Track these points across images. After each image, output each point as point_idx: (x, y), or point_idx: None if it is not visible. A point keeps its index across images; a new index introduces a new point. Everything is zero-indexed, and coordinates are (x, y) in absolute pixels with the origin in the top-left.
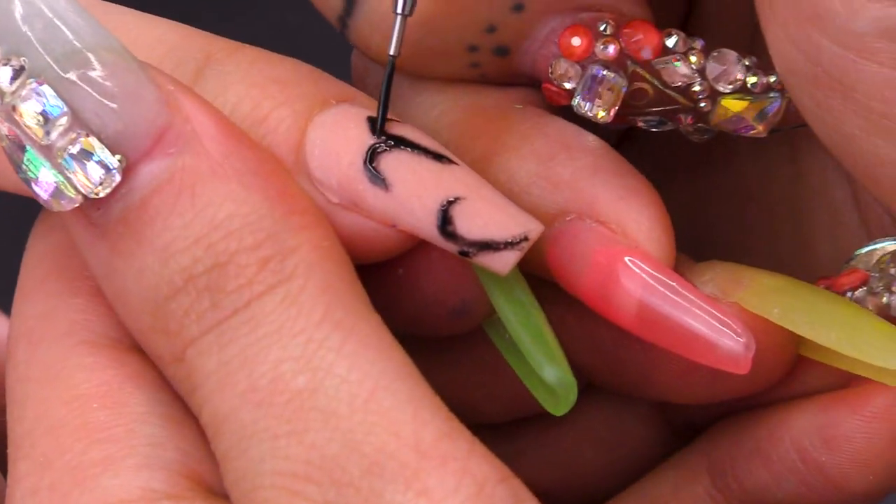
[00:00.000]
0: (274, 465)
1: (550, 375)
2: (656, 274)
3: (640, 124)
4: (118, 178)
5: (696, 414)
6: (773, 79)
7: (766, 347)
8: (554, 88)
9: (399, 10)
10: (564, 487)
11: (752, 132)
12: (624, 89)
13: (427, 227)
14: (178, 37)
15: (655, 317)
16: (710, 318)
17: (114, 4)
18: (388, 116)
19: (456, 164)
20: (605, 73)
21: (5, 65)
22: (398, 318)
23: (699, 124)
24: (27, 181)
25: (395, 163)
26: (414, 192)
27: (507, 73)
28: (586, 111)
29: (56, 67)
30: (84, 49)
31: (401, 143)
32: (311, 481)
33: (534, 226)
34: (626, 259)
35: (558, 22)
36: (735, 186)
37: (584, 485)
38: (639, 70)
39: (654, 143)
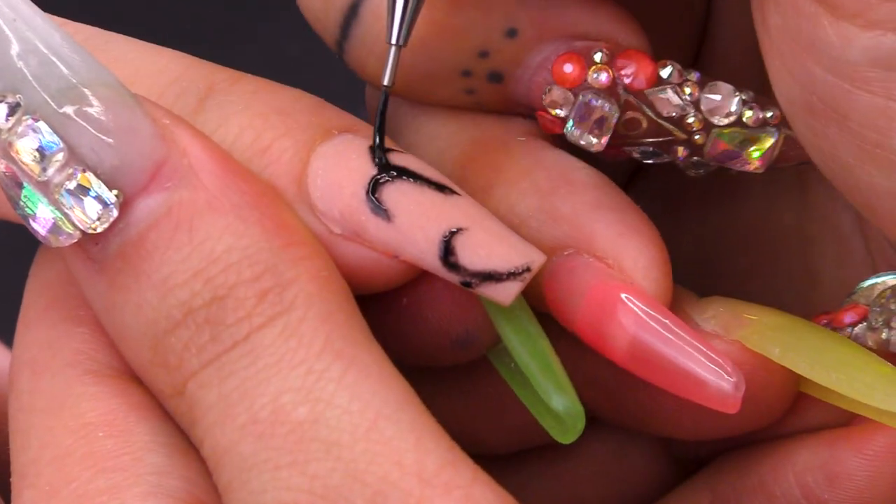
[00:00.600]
0: (276, 495)
1: (558, 404)
2: (650, 311)
3: (636, 155)
4: (115, 213)
5: (701, 448)
6: (769, 114)
7: (766, 385)
8: (548, 116)
9: (393, 41)
10: None
11: (747, 167)
12: (615, 118)
13: (429, 258)
14: (180, 67)
15: (647, 354)
16: (702, 357)
17: (116, 34)
18: (391, 146)
19: (458, 194)
20: (596, 101)
21: (1, 102)
22: (403, 348)
23: (694, 157)
24: (25, 217)
25: (397, 194)
26: (416, 224)
27: (502, 100)
28: (578, 139)
29: (52, 103)
30: (80, 84)
31: (403, 173)
32: None
33: (536, 256)
34: (622, 295)
35: (552, 49)
36: (744, 217)
37: None
38: (631, 99)
39: (666, 177)
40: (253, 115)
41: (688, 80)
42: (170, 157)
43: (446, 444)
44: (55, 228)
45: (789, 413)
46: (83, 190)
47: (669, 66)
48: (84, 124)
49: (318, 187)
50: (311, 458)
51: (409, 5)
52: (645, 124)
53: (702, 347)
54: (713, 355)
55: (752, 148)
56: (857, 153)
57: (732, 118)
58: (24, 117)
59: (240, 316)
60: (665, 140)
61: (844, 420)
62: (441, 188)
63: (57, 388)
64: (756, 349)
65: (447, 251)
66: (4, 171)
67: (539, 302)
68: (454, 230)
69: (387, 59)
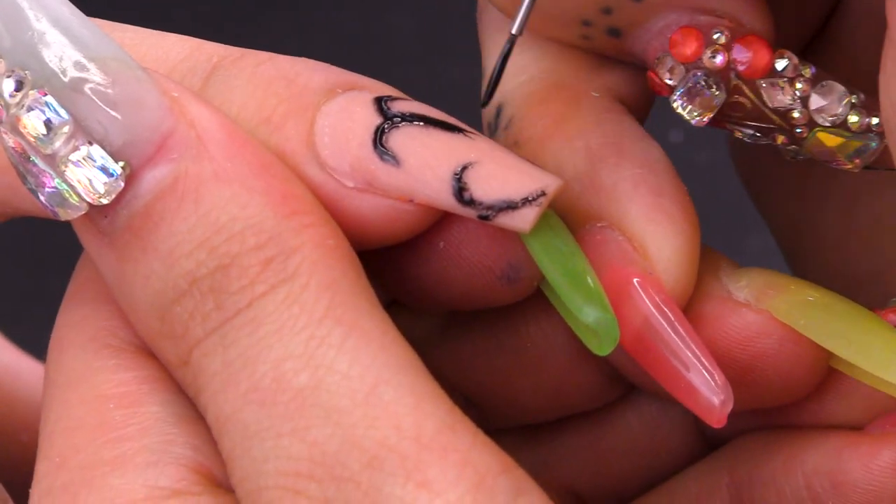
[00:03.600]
0: (277, 465)
1: (589, 316)
2: (660, 306)
3: (736, 134)
4: (121, 184)
5: (728, 426)
6: (875, 121)
7: (794, 356)
8: (657, 79)
9: None
10: (592, 487)
11: (844, 167)
12: (721, 102)
13: (443, 196)
14: (185, 49)
15: (648, 346)
16: (698, 364)
17: (118, 23)
18: (395, 95)
19: (465, 131)
20: (705, 84)
21: (8, 76)
22: (449, 293)
23: (792, 146)
24: (34, 192)
25: (403, 138)
26: (425, 164)
27: (616, 51)
28: (681, 111)
29: (60, 77)
30: (87, 58)
31: (408, 118)
32: (313, 479)
33: (551, 180)
34: (636, 282)
35: (674, 18)
36: (842, 200)
37: (611, 487)
38: (741, 85)
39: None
40: (256, 85)
41: (801, 76)
42: (177, 128)
43: (446, 408)
44: (63, 201)
45: (817, 388)
46: (90, 162)
47: (786, 59)
48: (91, 97)
49: (326, 144)
50: (312, 424)
51: None
52: (749, 108)
53: (700, 355)
54: (709, 366)
55: (850, 153)
56: None
57: (838, 120)
58: (32, 91)
59: (243, 284)
60: (766, 126)
61: (865, 414)
62: (448, 127)
63: (77, 363)
64: (784, 319)
65: (459, 187)
66: (14, 146)
67: None
68: (464, 165)
69: (519, 7)
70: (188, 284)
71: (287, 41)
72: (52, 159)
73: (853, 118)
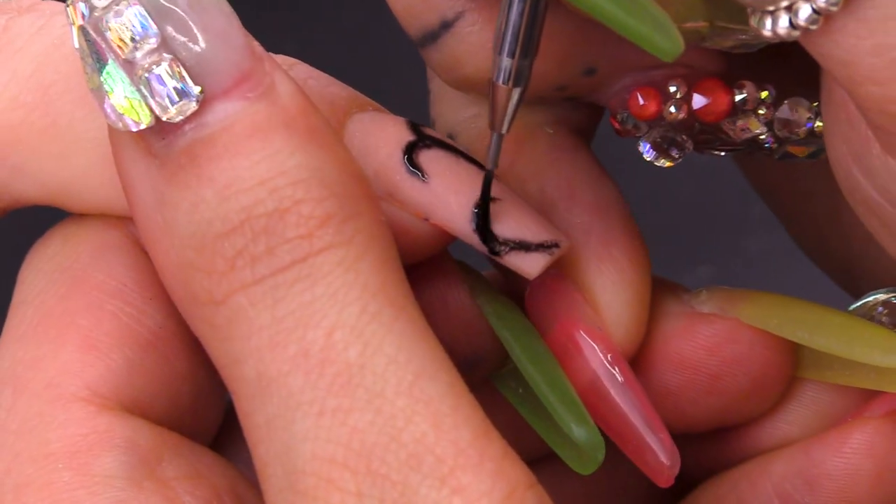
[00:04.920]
0: (315, 446)
1: (579, 435)
2: (609, 366)
3: (713, 154)
4: (194, 107)
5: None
6: None
7: (765, 362)
8: (619, 126)
9: (503, 131)
10: None
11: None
12: (689, 147)
13: (461, 221)
14: None
15: (597, 403)
16: (647, 427)
17: None
18: (425, 129)
19: (493, 173)
20: (670, 142)
21: None
22: None
23: (762, 151)
24: (99, 95)
25: (434, 158)
26: (451, 187)
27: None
28: (648, 159)
29: None
30: None
31: (441, 144)
32: (348, 468)
33: (564, 238)
34: (586, 338)
35: (629, 80)
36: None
37: None
38: (707, 131)
39: None
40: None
41: (762, 103)
42: (255, 70)
43: (480, 415)
44: (128, 110)
45: (773, 416)
46: (169, 77)
47: (744, 92)
48: (184, 17)
49: (354, 146)
50: (355, 406)
51: (513, 101)
52: (718, 143)
53: (649, 418)
54: (658, 428)
55: (821, 156)
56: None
57: (805, 132)
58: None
59: (301, 233)
60: (738, 149)
61: (825, 427)
62: (477, 164)
63: (31, 412)
64: (754, 324)
65: (478, 217)
66: (90, 45)
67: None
68: (488, 199)
69: (490, 146)
70: (241, 221)
71: (287, 41)
72: (130, 66)
73: (820, 123)
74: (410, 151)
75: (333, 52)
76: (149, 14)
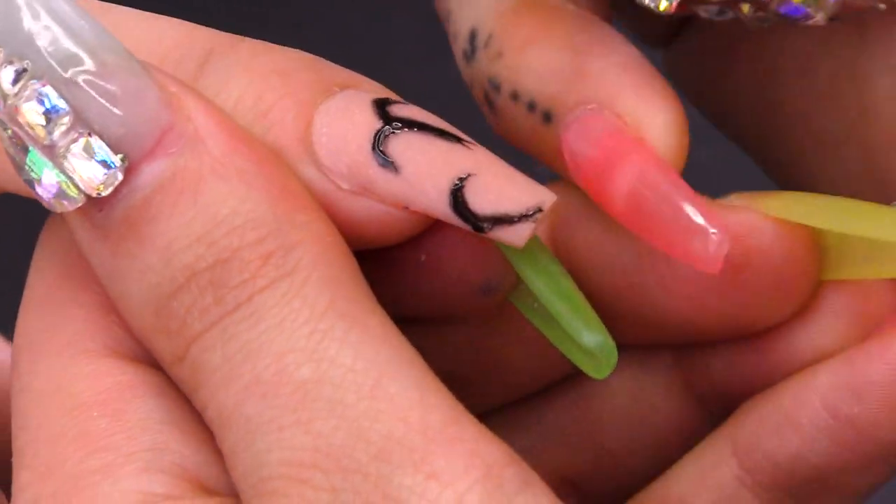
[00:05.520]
0: (281, 455)
1: (590, 341)
2: (654, 165)
3: (703, 14)
4: (120, 176)
5: (718, 380)
6: None
7: (790, 252)
8: None
9: None
10: (587, 473)
11: (811, 20)
12: None
13: (439, 206)
14: (180, 34)
15: (642, 205)
16: (693, 212)
17: (113, 4)
18: (394, 98)
19: (464, 141)
20: None
21: (7, 66)
22: (426, 304)
23: (759, 13)
24: (30, 183)
25: (403, 145)
26: (424, 173)
27: None
28: (648, 2)
29: (58, 69)
30: (85, 51)
31: (408, 124)
32: (318, 468)
33: (547, 196)
34: (630, 144)
35: None
36: (799, 58)
37: (607, 472)
38: None
39: (714, 31)
40: (253, 78)
41: None
42: (175, 123)
43: (450, 402)
44: (60, 193)
45: (805, 325)
46: (88, 153)
47: None
48: (90, 90)
49: (324, 144)
50: (315, 416)
51: None
52: None
53: (695, 204)
54: (706, 212)
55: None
56: None
57: None
58: (31, 82)
59: (244, 278)
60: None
61: (860, 335)
62: (447, 136)
63: (54, 369)
64: (780, 215)
65: (456, 198)
66: (11, 136)
67: (554, 160)
68: (463, 176)
69: None
70: (186, 278)
71: (287, 38)
72: (50, 150)
73: None
74: (379, 141)
75: (333, 51)
76: (58, 91)
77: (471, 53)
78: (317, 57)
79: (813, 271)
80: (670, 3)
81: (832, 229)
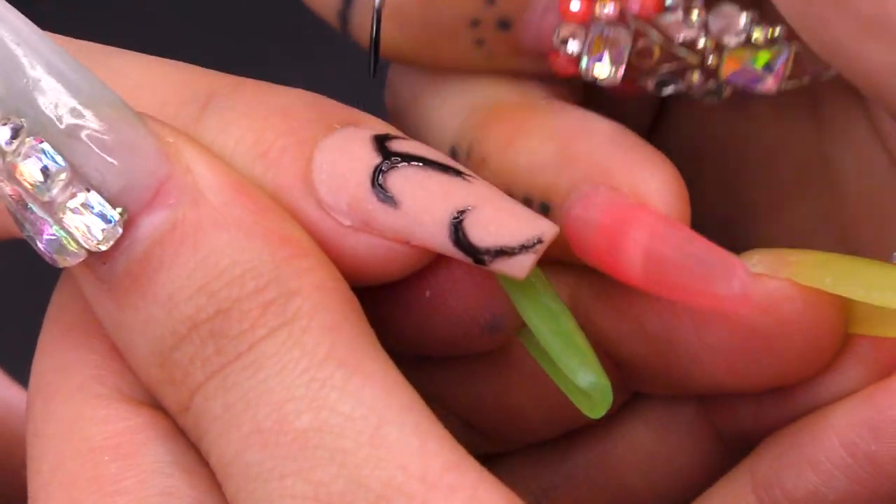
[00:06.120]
0: (283, 503)
1: (584, 380)
2: (663, 223)
3: (650, 86)
4: (120, 230)
5: (745, 423)
6: (778, 30)
7: (819, 321)
8: (561, 57)
9: None
10: None
11: (762, 87)
12: (628, 46)
13: (440, 240)
14: (182, 77)
15: (661, 264)
16: (712, 258)
17: (116, 48)
18: (394, 133)
19: (464, 174)
20: (607, 31)
21: (4, 124)
22: (432, 340)
23: (709, 82)
24: (31, 239)
25: (402, 179)
26: (423, 207)
27: (513, 50)
28: (594, 73)
29: (55, 124)
30: (82, 105)
31: (407, 159)
32: None
33: (547, 227)
34: (634, 211)
35: None
36: (762, 149)
37: None
38: (641, 27)
39: (683, 131)
40: (253, 119)
41: (693, 3)
42: (173, 174)
43: (450, 447)
44: (61, 248)
45: (834, 358)
46: (87, 209)
47: None
48: (88, 144)
49: (324, 181)
50: (316, 464)
51: None
52: (657, 52)
53: (712, 249)
54: (725, 255)
55: (766, 64)
56: (855, 33)
57: (742, 37)
58: (28, 139)
59: (243, 328)
60: (679, 68)
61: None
62: (446, 169)
63: (67, 413)
64: (807, 282)
65: (456, 231)
66: (11, 193)
67: (567, 252)
68: (462, 209)
69: None
70: (187, 330)
71: (289, 74)
72: (49, 206)
73: (757, 33)
74: (378, 176)
75: (335, 86)
76: (55, 148)
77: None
78: (318, 95)
79: (841, 331)
80: (615, 72)
81: (864, 300)
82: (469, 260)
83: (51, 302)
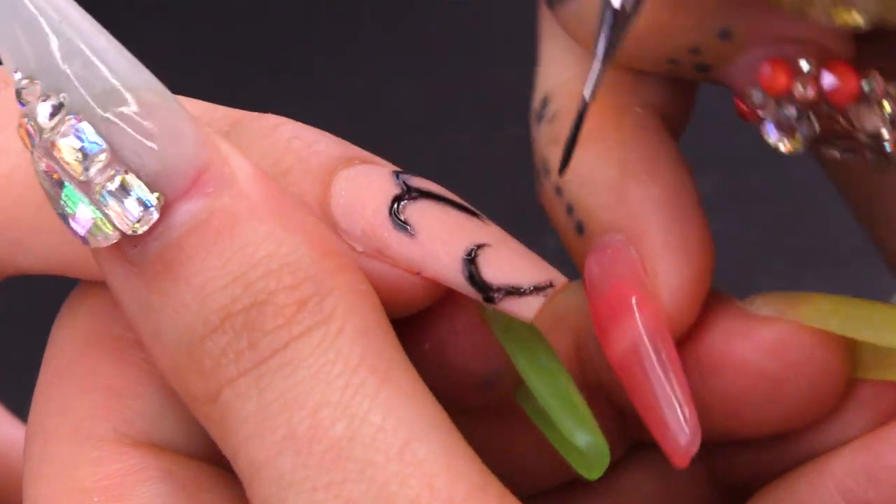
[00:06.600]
0: None
1: (581, 441)
2: (653, 331)
3: (823, 152)
4: (156, 215)
5: (745, 470)
6: None
7: (825, 365)
8: (745, 107)
9: (600, 54)
10: None
11: None
12: (813, 134)
13: (452, 272)
14: (202, 108)
15: (633, 369)
16: (673, 398)
17: None
18: (412, 175)
19: (481, 216)
20: (797, 116)
21: (45, 100)
22: None
23: (882, 159)
24: (64, 217)
25: (420, 211)
26: (439, 239)
27: (699, 79)
28: (771, 141)
29: (95, 105)
30: (124, 88)
31: (426, 194)
32: None
33: (558, 276)
34: (634, 302)
35: (762, 51)
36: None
37: None
38: (833, 113)
39: None
40: (274, 144)
41: (889, 95)
42: (212, 163)
43: (477, 468)
44: (94, 229)
45: (831, 418)
46: (125, 191)
47: (873, 80)
48: (129, 127)
49: (341, 206)
50: (347, 478)
51: (620, 24)
52: (838, 130)
53: (677, 389)
54: (684, 402)
55: None
56: None
57: None
58: (68, 117)
59: (279, 323)
60: (855, 144)
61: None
62: (464, 209)
63: (61, 455)
64: (815, 324)
65: (470, 266)
66: (45, 169)
67: (577, 257)
68: (477, 246)
69: (591, 73)
70: (221, 320)
71: (294, 107)
72: (86, 186)
73: None
74: (396, 205)
75: (340, 120)
76: (95, 128)
77: (539, 118)
78: (339, 138)
79: (847, 376)
80: (793, 149)
81: (873, 342)
82: (479, 297)
83: (48, 342)
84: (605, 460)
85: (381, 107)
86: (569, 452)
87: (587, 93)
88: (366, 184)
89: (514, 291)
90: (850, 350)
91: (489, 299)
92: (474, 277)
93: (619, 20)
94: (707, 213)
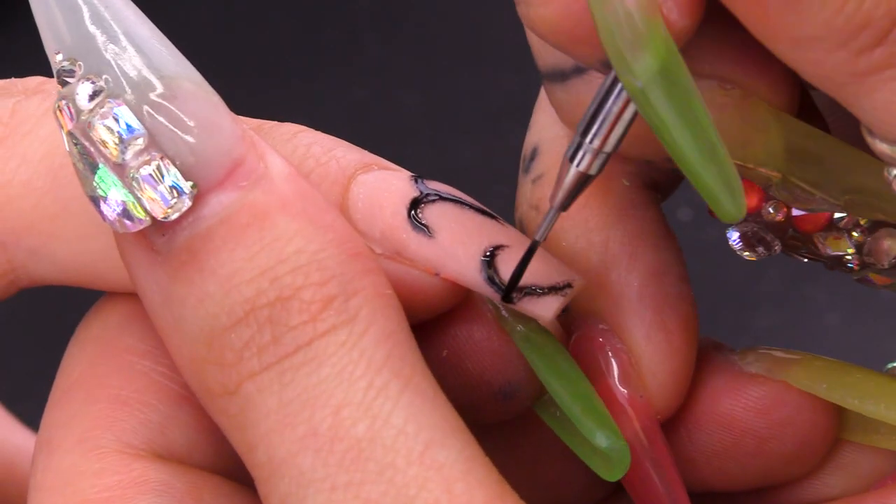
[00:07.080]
0: None
1: (602, 441)
2: (644, 433)
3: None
4: (188, 203)
5: None
6: None
7: (811, 426)
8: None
9: (556, 205)
10: None
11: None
12: (777, 251)
13: (471, 272)
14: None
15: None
16: (665, 491)
17: None
18: (429, 182)
19: (499, 219)
20: (764, 235)
21: (85, 81)
22: None
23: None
24: (95, 199)
25: (438, 212)
26: (458, 239)
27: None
28: (735, 248)
29: (135, 92)
30: (165, 77)
31: (444, 196)
32: None
33: (577, 277)
34: (626, 405)
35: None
36: None
37: None
38: (797, 238)
39: None
40: (294, 149)
41: (858, 226)
42: (247, 157)
43: (495, 476)
44: (124, 213)
45: (811, 478)
46: (159, 177)
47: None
48: (166, 115)
49: (359, 209)
50: (367, 479)
51: (581, 184)
52: (804, 251)
53: (672, 489)
54: (678, 494)
55: None
56: None
57: (892, 263)
58: (108, 100)
59: (304, 319)
60: (819, 259)
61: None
62: (482, 212)
63: (65, 466)
64: (802, 387)
65: (488, 267)
66: (81, 151)
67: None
68: (495, 246)
69: (545, 219)
70: (245, 312)
71: (297, 117)
72: (121, 170)
73: None
74: (415, 207)
75: (341, 128)
76: (134, 113)
77: (526, 170)
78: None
79: (833, 437)
80: (754, 258)
81: (857, 411)
82: (497, 297)
83: (64, 355)
84: (626, 461)
85: (383, 115)
86: (589, 457)
87: (539, 236)
88: (384, 187)
89: (533, 292)
90: (837, 414)
91: (508, 299)
92: (493, 278)
93: (581, 180)
94: (708, 219)
